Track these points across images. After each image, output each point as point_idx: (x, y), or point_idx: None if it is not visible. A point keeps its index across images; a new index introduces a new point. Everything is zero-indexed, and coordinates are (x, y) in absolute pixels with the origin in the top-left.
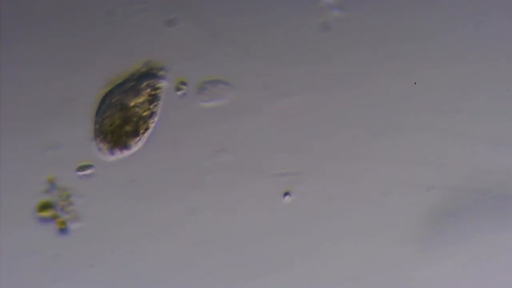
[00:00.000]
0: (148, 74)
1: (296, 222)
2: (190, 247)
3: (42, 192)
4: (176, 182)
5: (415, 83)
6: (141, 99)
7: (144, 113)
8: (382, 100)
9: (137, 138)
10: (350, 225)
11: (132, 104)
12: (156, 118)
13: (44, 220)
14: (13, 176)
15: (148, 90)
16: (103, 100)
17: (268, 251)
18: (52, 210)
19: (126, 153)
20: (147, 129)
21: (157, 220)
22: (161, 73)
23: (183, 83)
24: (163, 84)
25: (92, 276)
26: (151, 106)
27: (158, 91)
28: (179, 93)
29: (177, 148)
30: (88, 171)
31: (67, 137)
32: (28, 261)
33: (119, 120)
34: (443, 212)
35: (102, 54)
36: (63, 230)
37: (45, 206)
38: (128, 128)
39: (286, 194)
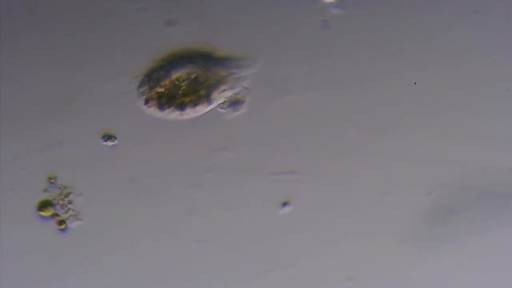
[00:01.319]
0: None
1: (295, 221)
2: (190, 246)
3: (42, 190)
4: (176, 181)
5: (415, 83)
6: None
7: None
8: (382, 99)
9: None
10: (349, 224)
11: (202, 80)
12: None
13: (43, 218)
14: (12, 174)
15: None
16: (181, 58)
17: (268, 250)
18: (52, 209)
19: (156, 112)
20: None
21: (156, 219)
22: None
23: (241, 102)
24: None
25: (91, 275)
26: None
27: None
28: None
29: (177, 147)
30: (111, 142)
31: (67, 136)
32: (27, 259)
33: (187, 88)
34: (443, 211)
35: (102, 54)
36: (62, 228)
37: (44, 205)
38: (186, 98)
39: (284, 204)
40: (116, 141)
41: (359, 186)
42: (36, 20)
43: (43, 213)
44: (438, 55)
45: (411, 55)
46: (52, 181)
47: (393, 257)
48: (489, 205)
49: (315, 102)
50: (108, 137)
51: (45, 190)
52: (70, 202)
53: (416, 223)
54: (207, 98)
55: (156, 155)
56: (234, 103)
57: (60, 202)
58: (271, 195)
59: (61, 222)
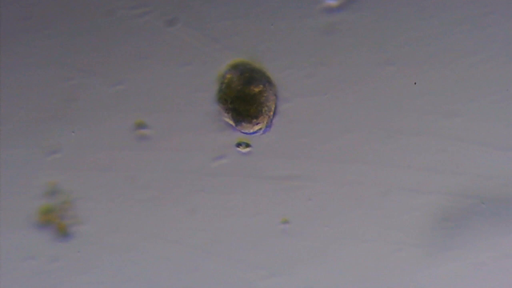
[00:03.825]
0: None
1: (297, 224)
2: (191, 250)
3: (44, 196)
4: (177, 185)
5: (415, 83)
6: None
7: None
8: (384, 102)
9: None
10: (352, 229)
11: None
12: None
13: (45, 224)
14: (14, 180)
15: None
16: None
17: (270, 254)
18: (54, 214)
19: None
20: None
21: (157, 223)
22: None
23: (248, 145)
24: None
25: (92, 280)
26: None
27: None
28: (241, 149)
29: (178, 151)
30: (143, 131)
31: (68, 141)
32: (29, 265)
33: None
34: (445, 216)
35: (102, 55)
36: (64, 234)
37: (46, 210)
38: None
39: (284, 222)
40: (148, 131)
41: (361, 191)
42: (37, 21)
43: (44, 219)
44: (439, 58)
45: (412, 58)
46: (54, 186)
47: (397, 262)
48: (492, 210)
49: (316, 106)
50: (142, 125)
51: (47, 196)
52: (71, 208)
53: (418, 228)
54: (250, 121)
55: (157, 159)
56: (241, 143)
57: (62, 207)
58: (271, 199)
59: (62, 227)
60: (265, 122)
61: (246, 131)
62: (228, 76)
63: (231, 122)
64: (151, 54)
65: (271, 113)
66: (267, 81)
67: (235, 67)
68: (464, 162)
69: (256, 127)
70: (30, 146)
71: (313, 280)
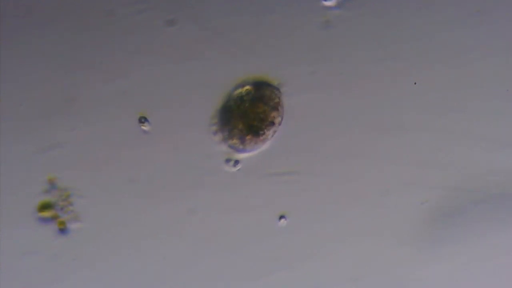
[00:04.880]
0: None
1: (296, 222)
2: (190, 248)
3: (42, 192)
4: (176, 182)
5: (415, 83)
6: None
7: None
8: (382, 100)
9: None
10: (350, 226)
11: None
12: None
13: (44, 220)
14: (13, 176)
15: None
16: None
17: (269, 251)
18: (52, 210)
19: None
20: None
21: (157, 220)
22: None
23: (237, 161)
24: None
25: (91, 277)
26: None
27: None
28: (232, 165)
29: (177, 148)
30: (144, 126)
31: (67, 137)
32: (28, 261)
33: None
34: (443, 212)
35: (102, 54)
36: (63, 230)
37: (45, 206)
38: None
39: (281, 217)
40: (148, 126)
41: (360, 187)
42: (37, 20)
43: (43, 215)
44: (439, 56)
45: (412, 55)
46: (53, 182)
47: (395, 259)
48: (490, 206)
49: (315, 103)
50: (144, 119)
51: (46, 192)
52: (70, 204)
53: (417, 224)
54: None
55: (156, 156)
56: (229, 159)
57: (61, 203)
58: (271, 196)
59: (62, 223)
60: (252, 143)
61: (233, 145)
62: (246, 88)
63: (224, 132)
64: (151, 51)
65: (265, 138)
66: (281, 110)
67: (257, 84)
68: (464, 158)
69: (244, 144)
70: (30, 142)
71: (312, 276)
